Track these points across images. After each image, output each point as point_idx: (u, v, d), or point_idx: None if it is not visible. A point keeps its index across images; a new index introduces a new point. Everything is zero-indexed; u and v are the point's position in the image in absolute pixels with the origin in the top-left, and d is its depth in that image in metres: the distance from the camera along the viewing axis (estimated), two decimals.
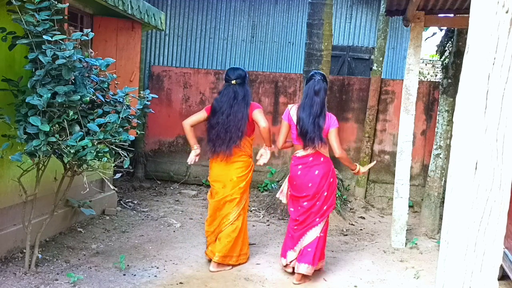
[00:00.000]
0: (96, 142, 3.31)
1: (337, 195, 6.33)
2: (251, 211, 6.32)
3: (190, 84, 7.70)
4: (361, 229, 5.92)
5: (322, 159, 4.01)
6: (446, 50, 6.66)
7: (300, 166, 4.02)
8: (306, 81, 4.13)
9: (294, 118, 3.99)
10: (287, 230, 4.17)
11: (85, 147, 3.24)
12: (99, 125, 3.33)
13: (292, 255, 4.03)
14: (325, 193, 4.02)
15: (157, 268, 4.12)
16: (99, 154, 3.33)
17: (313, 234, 4.00)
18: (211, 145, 4.14)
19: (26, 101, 3.19)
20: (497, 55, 1.69)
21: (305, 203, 4.01)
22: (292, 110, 4.02)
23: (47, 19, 3.24)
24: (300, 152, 4.02)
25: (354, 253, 4.94)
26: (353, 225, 6.09)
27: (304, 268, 3.94)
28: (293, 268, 4.02)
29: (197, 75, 7.70)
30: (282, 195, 4.27)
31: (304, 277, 4.01)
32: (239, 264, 4.26)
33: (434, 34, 7.33)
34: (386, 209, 6.93)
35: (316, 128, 3.91)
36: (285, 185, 4.25)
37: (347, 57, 9.20)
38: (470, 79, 1.77)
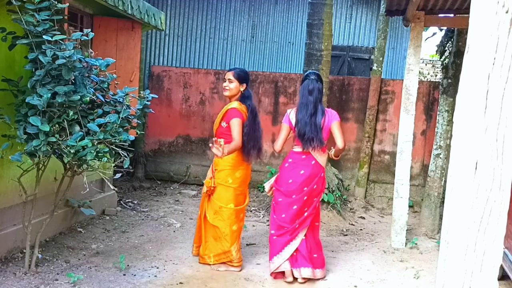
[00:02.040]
0: (96, 142, 3.31)
1: (337, 195, 6.35)
2: (251, 211, 6.33)
3: (190, 84, 7.70)
4: (361, 229, 5.92)
5: (313, 162, 3.96)
6: (446, 50, 6.65)
7: (290, 160, 4.03)
8: (301, 81, 4.13)
9: (293, 121, 3.99)
10: (269, 236, 4.13)
11: (85, 147, 3.24)
12: (99, 125, 3.33)
13: (272, 266, 4.00)
14: (305, 197, 3.96)
15: (157, 268, 4.12)
16: (99, 154, 3.33)
17: (296, 242, 3.97)
18: (256, 149, 4.16)
19: (26, 101, 3.19)
20: (497, 55, 1.69)
21: (280, 199, 3.99)
22: (291, 114, 4.04)
23: (47, 19, 3.24)
24: (297, 148, 4.02)
25: (354, 253, 4.94)
26: (353, 225, 6.09)
27: (305, 272, 3.96)
28: (291, 271, 3.98)
29: (197, 75, 7.70)
30: (270, 191, 4.22)
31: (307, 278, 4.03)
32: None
33: (434, 34, 7.32)
34: (386, 209, 6.93)
35: (313, 128, 3.89)
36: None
37: (347, 57, 9.19)
38: (470, 79, 1.77)
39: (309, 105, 3.93)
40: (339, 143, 3.93)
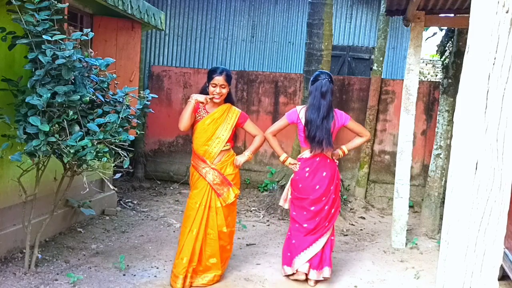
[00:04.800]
0: (96, 142, 3.30)
1: None
2: (251, 211, 6.33)
3: (190, 84, 7.70)
4: (361, 229, 5.92)
5: (328, 160, 3.96)
6: (446, 50, 6.65)
7: (307, 169, 3.94)
8: (312, 82, 3.97)
9: (303, 121, 3.89)
10: (290, 236, 4.01)
11: (85, 147, 3.24)
12: (99, 125, 3.32)
13: (299, 261, 3.90)
14: (333, 196, 3.97)
15: (157, 268, 4.12)
16: (99, 154, 3.33)
17: (324, 239, 3.96)
18: None
19: (26, 101, 3.19)
20: (497, 55, 1.69)
21: (312, 207, 3.92)
22: (301, 113, 3.92)
23: (47, 19, 3.24)
24: (306, 154, 3.95)
25: (354, 253, 4.94)
26: (353, 225, 6.09)
27: (327, 272, 3.94)
28: (305, 274, 3.92)
29: (197, 75, 7.69)
30: (286, 203, 4.15)
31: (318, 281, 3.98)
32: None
33: (434, 34, 7.32)
34: (386, 209, 6.93)
35: (324, 132, 3.83)
36: (288, 192, 4.11)
37: (347, 57, 9.19)
38: (470, 79, 1.77)
39: (322, 108, 3.83)
40: (365, 134, 4.08)
